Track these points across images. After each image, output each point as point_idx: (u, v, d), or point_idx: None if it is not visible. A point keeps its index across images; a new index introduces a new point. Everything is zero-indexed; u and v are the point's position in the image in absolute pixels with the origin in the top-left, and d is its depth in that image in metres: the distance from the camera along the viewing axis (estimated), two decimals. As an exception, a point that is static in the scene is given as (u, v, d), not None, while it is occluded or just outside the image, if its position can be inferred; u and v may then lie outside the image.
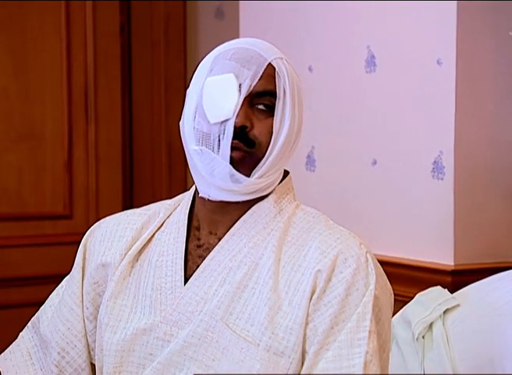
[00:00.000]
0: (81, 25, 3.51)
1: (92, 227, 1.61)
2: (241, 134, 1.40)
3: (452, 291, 2.01)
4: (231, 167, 1.39)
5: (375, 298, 1.38)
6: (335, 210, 2.64)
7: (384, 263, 2.42)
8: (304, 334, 1.37)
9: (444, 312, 1.93)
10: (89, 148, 3.52)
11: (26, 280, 3.38)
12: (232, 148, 1.39)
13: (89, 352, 1.55)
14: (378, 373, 1.35)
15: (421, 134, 2.40)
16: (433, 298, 1.97)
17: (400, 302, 2.09)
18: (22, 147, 3.40)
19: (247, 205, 1.46)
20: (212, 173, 1.41)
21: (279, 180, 1.48)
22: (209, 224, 1.48)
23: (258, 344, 1.36)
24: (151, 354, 1.44)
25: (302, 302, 1.37)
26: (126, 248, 1.52)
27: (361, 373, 1.33)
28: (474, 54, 2.33)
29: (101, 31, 3.54)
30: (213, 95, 1.41)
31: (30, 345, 1.59)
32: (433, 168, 2.36)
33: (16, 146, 3.39)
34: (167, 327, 1.43)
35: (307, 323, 1.37)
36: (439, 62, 2.34)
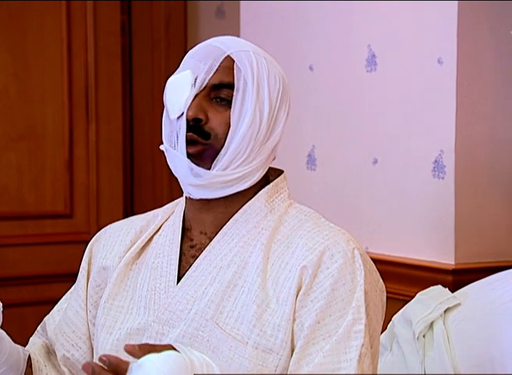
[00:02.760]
0: (82, 24, 3.51)
1: (99, 233, 1.62)
2: (195, 127, 1.40)
3: (452, 290, 2.01)
4: (189, 161, 1.40)
5: (366, 292, 1.38)
6: (335, 209, 2.64)
7: (385, 262, 2.43)
8: (292, 331, 1.37)
9: (445, 311, 1.93)
10: (89, 147, 3.52)
11: (27, 279, 3.38)
12: (189, 142, 1.40)
13: (92, 355, 1.55)
14: (371, 366, 1.36)
15: (422, 133, 2.40)
16: (434, 297, 1.97)
17: (401, 301, 2.09)
18: (22, 146, 3.40)
19: (232, 201, 1.46)
20: (176, 169, 1.43)
21: (259, 175, 1.46)
22: (198, 223, 1.48)
23: (247, 343, 1.37)
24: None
25: (289, 299, 1.37)
26: (124, 251, 1.54)
27: (356, 365, 1.33)
28: (474, 53, 2.33)
29: (101, 30, 3.54)
30: (172, 93, 1.43)
31: (44, 344, 1.60)
32: (434, 167, 2.35)
33: (17, 145, 3.39)
34: (159, 326, 1.44)
35: (294, 320, 1.37)
36: (439, 61, 2.34)
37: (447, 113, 2.32)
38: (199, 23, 3.86)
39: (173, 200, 1.61)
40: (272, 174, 1.51)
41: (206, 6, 3.82)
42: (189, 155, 1.40)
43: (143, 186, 3.79)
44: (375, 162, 2.54)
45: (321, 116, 2.73)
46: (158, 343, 1.42)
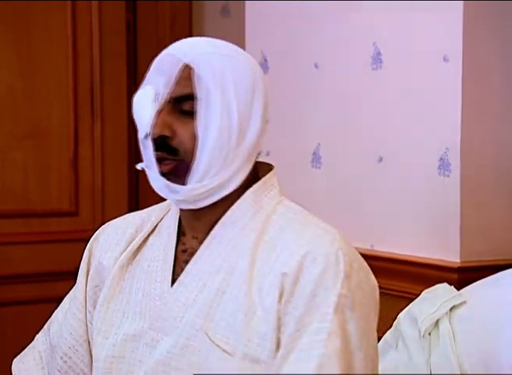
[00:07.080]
0: (87, 23, 3.52)
1: (97, 231, 1.60)
2: (162, 145, 1.37)
3: (458, 288, 2.01)
4: (163, 179, 1.38)
5: (343, 296, 1.30)
6: (340, 207, 2.64)
7: (390, 260, 2.43)
8: (278, 339, 1.31)
9: (450, 309, 1.93)
10: (95, 146, 3.52)
11: (32, 277, 3.39)
12: (160, 160, 1.38)
13: (91, 357, 1.53)
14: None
15: (427, 131, 2.39)
16: (439, 295, 1.97)
17: (407, 299, 2.09)
18: (28, 144, 3.41)
19: (219, 205, 1.41)
20: (154, 187, 1.41)
21: (241, 176, 1.40)
22: (191, 229, 1.45)
23: (235, 353, 1.31)
24: (139, 361, 1.41)
25: (273, 306, 1.32)
26: (120, 252, 1.51)
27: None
28: (480, 50, 2.33)
29: (106, 29, 3.55)
30: (137, 111, 1.40)
31: (42, 348, 1.58)
32: (439, 165, 2.35)
33: (22, 144, 3.40)
34: (154, 333, 1.40)
35: (278, 328, 1.31)
36: (445, 59, 2.34)
37: (453, 111, 2.32)
38: (204, 21, 3.86)
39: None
40: (263, 169, 1.46)
41: (211, 5, 3.82)
42: (163, 173, 1.38)
43: (148, 184, 3.78)
44: (380, 160, 2.54)
45: (326, 113, 2.72)
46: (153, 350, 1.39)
